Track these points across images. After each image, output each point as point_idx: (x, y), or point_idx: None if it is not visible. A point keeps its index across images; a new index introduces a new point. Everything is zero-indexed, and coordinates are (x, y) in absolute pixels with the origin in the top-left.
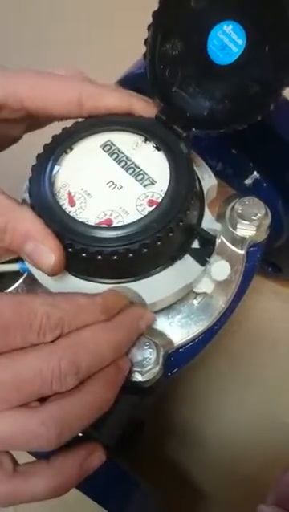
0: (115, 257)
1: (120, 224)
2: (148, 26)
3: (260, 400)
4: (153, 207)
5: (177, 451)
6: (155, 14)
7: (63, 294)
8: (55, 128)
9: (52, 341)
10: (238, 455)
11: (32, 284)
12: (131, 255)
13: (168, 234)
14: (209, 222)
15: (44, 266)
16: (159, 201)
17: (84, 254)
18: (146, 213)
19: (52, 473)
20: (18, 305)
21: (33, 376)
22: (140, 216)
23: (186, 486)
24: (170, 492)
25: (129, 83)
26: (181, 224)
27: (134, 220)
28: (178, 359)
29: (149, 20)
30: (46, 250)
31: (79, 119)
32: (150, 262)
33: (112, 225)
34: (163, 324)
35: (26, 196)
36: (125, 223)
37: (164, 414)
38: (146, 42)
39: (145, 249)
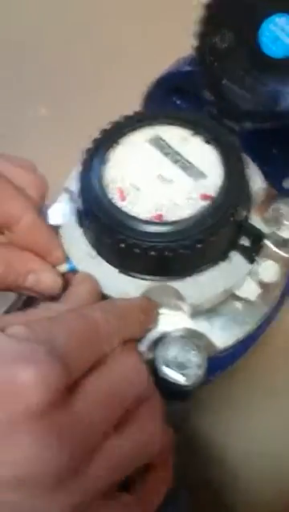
0: (167, 252)
1: (172, 218)
2: (198, 20)
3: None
4: (206, 201)
5: (199, 464)
6: (206, 7)
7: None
8: None
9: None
10: (262, 474)
11: None
12: (183, 251)
13: (222, 229)
14: (256, 224)
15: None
16: (212, 194)
17: (137, 250)
18: (199, 207)
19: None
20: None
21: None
22: (193, 210)
23: (206, 498)
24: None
25: (169, 81)
26: (233, 219)
27: (187, 214)
28: (219, 364)
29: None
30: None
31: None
32: (199, 259)
33: (165, 220)
34: (205, 327)
35: (70, 185)
36: (177, 217)
37: (187, 425)
38: (196, 35)
39: (199, 245)
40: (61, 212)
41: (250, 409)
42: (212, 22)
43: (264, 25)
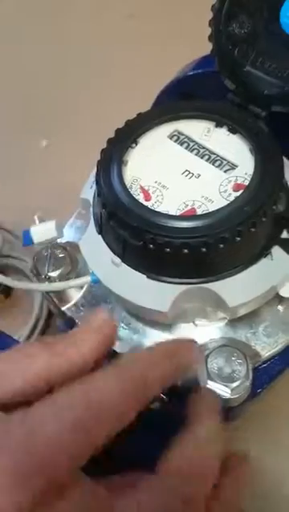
0: (203, 249)
1: (205, 213)
2: (212, 7)
3: None
4: (241, 191)
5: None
6: None
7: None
8: None
9: None
10: None
11: (91, 297)
12: (221, 246)
13: (262, 219)
14: None
15: None
16: (245, 184)
17: (168, 249)
18: (233, 199)
19: None
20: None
21: None
22: (227, 202)
23: None
24: None
25: (176, 88)
26: (274, 207)
27: (221, 206)
28: (266, 374)
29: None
30: None
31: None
32: (238, 255)
33: (197, 214)
34: (246, 334)
35: (86, 196)
36: (211, 211)
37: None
38: (210, 23)
39: (238, 238)
40: (73, 226)
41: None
42: (226, 10)
43: (285, 5)
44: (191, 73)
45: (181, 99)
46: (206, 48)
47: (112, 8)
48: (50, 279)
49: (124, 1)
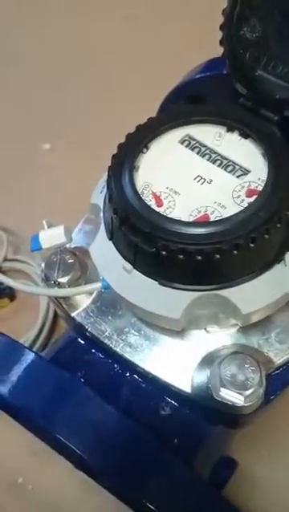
0: (217, 256)
1: (219, 219)
2: (223, 11)
3: None
4: (254, 197)
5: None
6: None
7: None
8: None
9: None
10: None
11: (101, 303)
12: (235, 252)
13: (277, 225)
14: None
15: None
16: (258, 189)
17: (181, 256)
18: (246, 205)
19: None
20: None
21: None
22: (240, 208)
23: None
24: None
25: (186, 90)
26: (288, 213)
27: (235, 212)
28: (279, 380)
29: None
30: None
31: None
32: (251, 261)
33: (211, 221)
34: (259, 340)
35: (96, 201)
36: (225, 217)
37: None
38: (221, 27)
39: (252, 244)
40: (82, 231)
41: None
42: (239, 14)
43: None
44: (199, 76)
45: (188, 102)
46: (210, 50)
47: (112, 8)
48: (59, 285)
49: (124, 1)
